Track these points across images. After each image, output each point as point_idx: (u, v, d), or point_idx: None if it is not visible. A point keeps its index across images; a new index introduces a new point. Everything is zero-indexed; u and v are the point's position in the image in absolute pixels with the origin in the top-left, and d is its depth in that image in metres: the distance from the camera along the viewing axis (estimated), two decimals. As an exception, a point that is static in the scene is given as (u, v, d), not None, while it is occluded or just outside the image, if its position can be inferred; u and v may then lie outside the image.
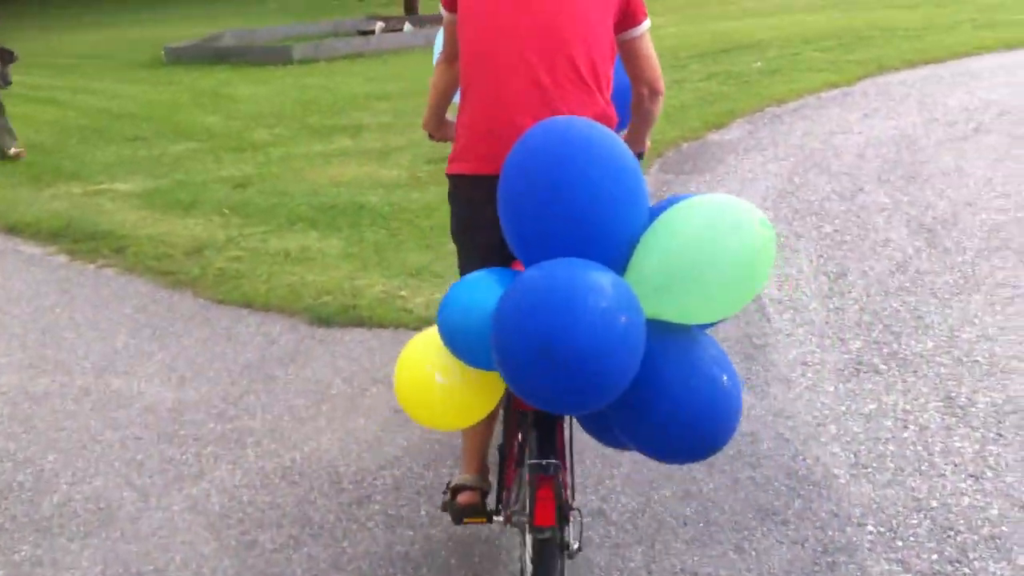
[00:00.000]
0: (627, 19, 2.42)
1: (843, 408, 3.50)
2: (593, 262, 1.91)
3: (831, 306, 4.37)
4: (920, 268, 4.72)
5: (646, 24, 2.45)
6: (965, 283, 4.51)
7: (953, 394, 3.54)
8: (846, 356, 3.89)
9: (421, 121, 2.84)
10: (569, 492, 2.34)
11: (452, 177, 2.48)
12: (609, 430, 2.18)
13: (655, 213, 2.01)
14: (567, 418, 2.37)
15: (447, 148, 2.71)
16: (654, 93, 2.53)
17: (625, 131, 2.67)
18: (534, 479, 2.19)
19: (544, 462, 2.19)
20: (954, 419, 3.37)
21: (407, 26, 14.80)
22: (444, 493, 2.71)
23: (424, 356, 2.26)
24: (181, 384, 4.07)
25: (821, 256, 4.98)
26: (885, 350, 3.92)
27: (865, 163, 6.56)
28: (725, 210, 1.92)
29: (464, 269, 2.47)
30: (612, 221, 1.97)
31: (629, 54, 2.47)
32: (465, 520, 2.62)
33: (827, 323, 4.20)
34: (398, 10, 17.29)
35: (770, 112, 8.29)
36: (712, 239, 1.89)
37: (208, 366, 4.23)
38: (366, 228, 5.86)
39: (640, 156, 2.68)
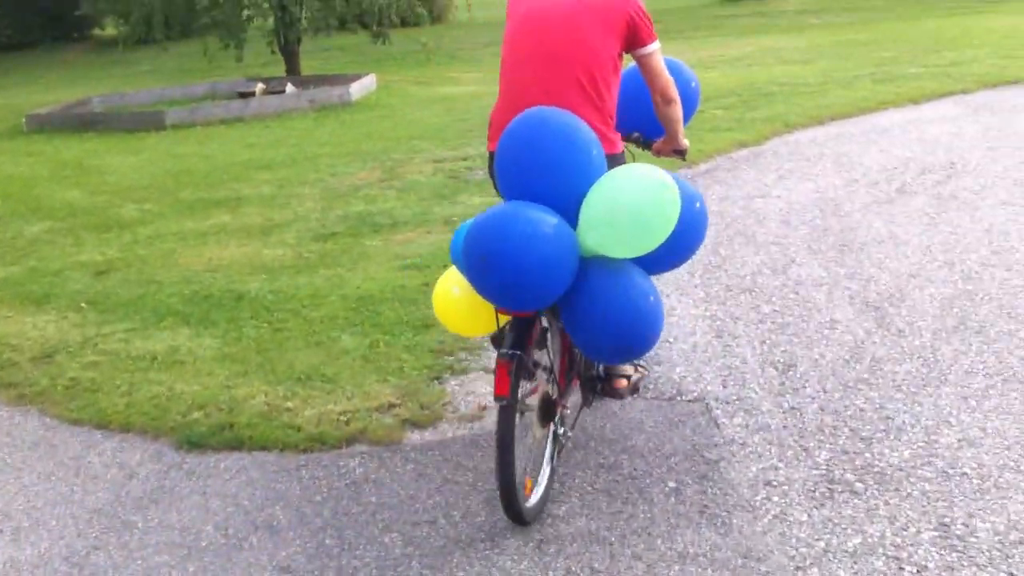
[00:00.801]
0: (635, 42, 3.28)
1: (822, 544, 2.96)
2: (536, 205, 2.83)
3: (786, 406, 3.86)
4: (876, 355, 4.25)
5: (653, 46, 3.29)
6: (929, 372, 4.05)
7: (947, 519, 3.03)
8: (815, 472, 3.36)
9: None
10: (559, 396, 3.26)
11: (490, 153, 3.32)
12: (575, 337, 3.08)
13: None
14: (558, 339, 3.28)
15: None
16: (665, 100, 3.38)
17: (663, 138, 3.56)
18: (497, 361, 2.94)
19: (508, 351, 2.94)
20: (955, 554, 2.86)
21: (289, 87, 14.13)
22: None
23: (449, 275, 3.36)
24: (16, 538, 3.33)
25: (764, 342, 4.49)
26: (858, 461, 3.41)
27: (791, 231, 6.15)
28: (636, 176, 2.88)
29: None
30: (563, 181, 2.89)
31: (643, 68, 3.35)
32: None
33: (785, 428, 3.68)
34: (279, 70, 16.60)
35: (682, 175, 7.86)
36: (623, 197, 2.86)
37: (50, 512, 3.49)
38: (246, 322, 5.16)
39: (681, 153, 3.60)
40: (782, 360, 4.28)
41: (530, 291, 2.82)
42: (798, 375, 4.13)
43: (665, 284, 5.32)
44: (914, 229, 5.96)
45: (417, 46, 18.28)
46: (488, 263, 2.79)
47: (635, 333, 3.00)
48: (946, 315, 4.63)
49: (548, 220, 2.82)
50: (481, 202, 7.28)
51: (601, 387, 3.62)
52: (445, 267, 4.58)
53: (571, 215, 2.91)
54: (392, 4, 16.91)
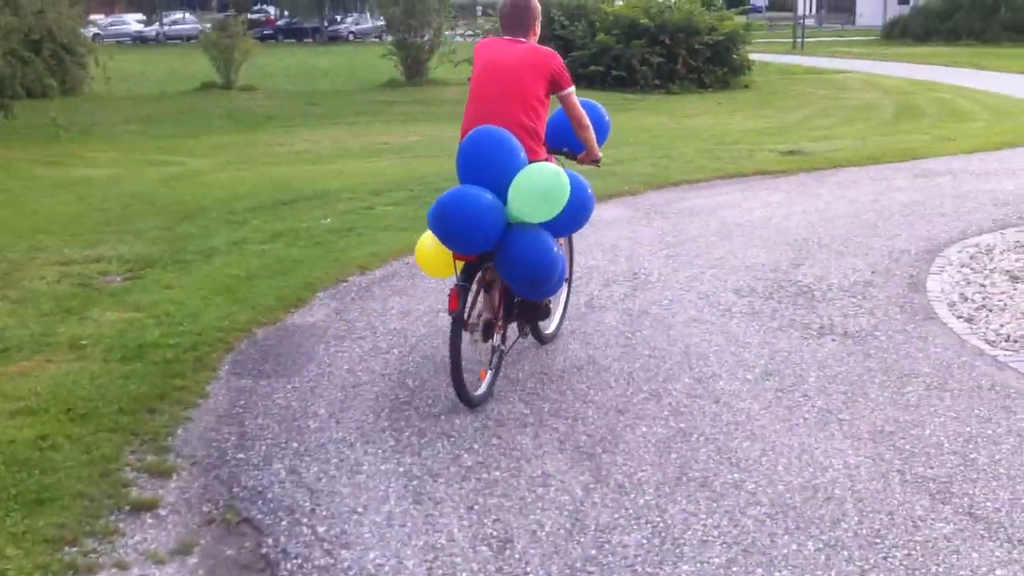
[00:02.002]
0: (556, 87, 5.00)
1: None
2: (479, 187, 4.59)
3: (509, 602, 3.20)
4: (600, 521, 3.73)
5: (569, 90, 5.02)
6: (662, 543, 3.57)
7: None
8: None
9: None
10: (496, 322, 4.93)
11: None
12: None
13: None
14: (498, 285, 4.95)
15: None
16: (580, 126, 5.18)
17: (583, 152, 5.36)
18: (452, 288, 4.67)
19: (459, 282, 4.67)
20: None
21: None
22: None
23: (426, 236, 5.03)
24: None
25: (473, 508, 3.84)
26: None
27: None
28: (540, 170, 4.61)
29: None
30: (497, 172, 4.61)
31: (563, 104, 5.11)
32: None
33: (512, 637, 3.02)
34: None
35: (356, 283, 7.19)
36: (531, 183, 4.58)
37: None
38: None
39: (596, 162, 5.49)
40: (495, 534, 3.65)
41: (472, 240, 4.59)
42: (516, 554, 3.50)
43: (349, 430, 4.58)
44: (612, 353, 5.61)
45: (46, 120, 16.49)
46: (446, 221, 4.58)
47: (543, 273, 4.72)
48: (665, 463, 4.21)
49: (485, 195, 4.57)
50: (118, 318, 6.20)
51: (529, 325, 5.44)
52: (68, 411, 4.74)
53: (502, 194, 4.62)
54: (16, 74, 15.15)
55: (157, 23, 67.22)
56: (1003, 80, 25.15)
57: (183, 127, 18.30)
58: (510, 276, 4.74)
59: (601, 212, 9.49)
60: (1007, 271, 7.00)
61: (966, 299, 6.44)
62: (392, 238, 8.45)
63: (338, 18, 68.26)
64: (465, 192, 4.61)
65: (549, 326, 5.70)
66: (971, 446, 4.33)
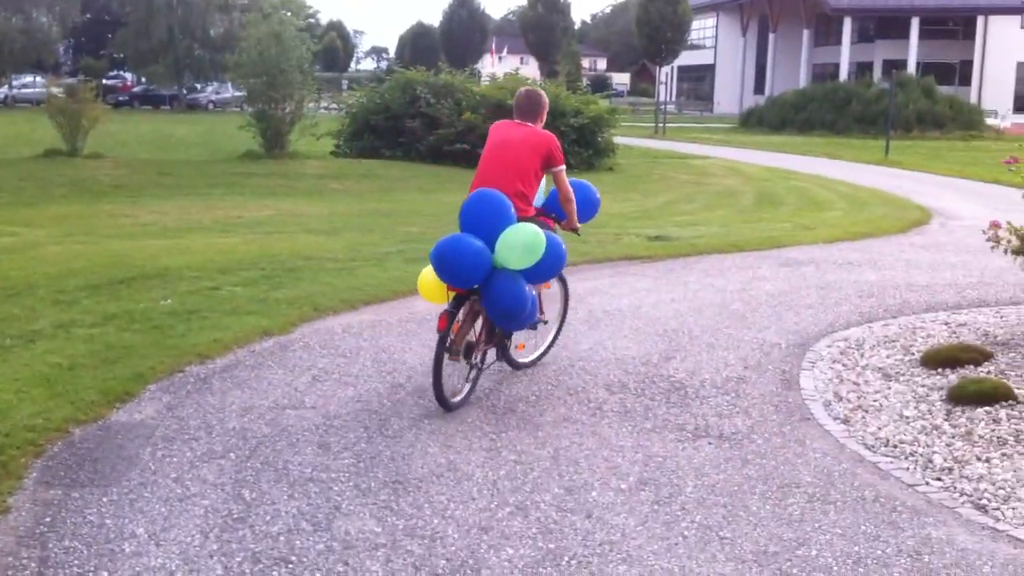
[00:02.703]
0: (549, 164, 6.20)
1: None
2: (473, 236, 5.70)
3: None
4: (459, 669, 3.24)
5: (559, 167, 6.24)
6: None
7: None
8: None
9: None
10: (481, 344, 6.06)
11: None
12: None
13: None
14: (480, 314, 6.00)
15: None
16: (565, 199, 6.40)
17: (566, 220, 6.56)
18: (441, 312, 5.72)
19: (448, 308, 5.73)
20: None
21: None
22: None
23: (427, 270, 6.01)
24: None
25: (309, 656, 3.30)
26: None
27: (333, 459, 5.11)
28: (524, 228, 5.67)
29: None
30: (489, 226, 5.69)
31: (554, 179, 6.33)
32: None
33: None
34: None
35: (193, 374, 6.58)
36: (515, 238, 5.64)
37: None
38: None
39: (575, 231, 6.74)
40: None
41: (461, 276, 5.73)
42: None
43: (170, 555, 3.99)
44: (475, 457, 5.17)
45: None
46: (443, 259, 5.72)
47: (515, 310, 5.78)
48: (536, 592, 3.77)
49: (476, 242, 5.68)
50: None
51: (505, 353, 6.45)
52: None
53: (492, 244, 5.70)
54: None
55: (6, 86, 64.78)
56: (856, 170, 26.07)
57: (22, 195, 17.23)
58: (491, 310, 5.87)
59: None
60: (879, 368, 6.87)
61: (840, 398, 6.25)
62: (238, 323, 7.87)
63: (198, 86, 67.08)
64: (461, 238, 5.76)
65: (528, 356, 6.84)
66: (861, 570, 4.03)
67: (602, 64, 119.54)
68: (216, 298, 8.76)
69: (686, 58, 53.70)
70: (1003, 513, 4.52)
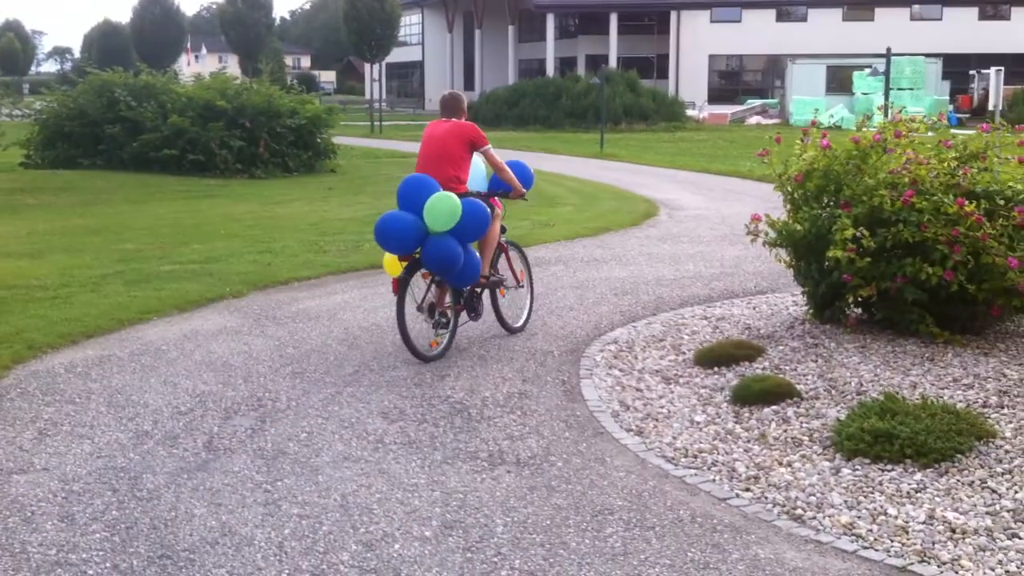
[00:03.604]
0: (474, 146, 7.39)
1: None
2: (406, 212, 6.96)
3: None
4: None
5: (486, 147, 7.41)
6: None
7: None
8: None
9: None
10: (447, 307, 7.31)
11: None
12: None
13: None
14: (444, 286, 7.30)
15: None
16: (499, 171, 7.51)
17: (512, 191, 7.62)
18: (393, 280, 7.14)
19: (402, 276, 7.03)
20: None
21: None
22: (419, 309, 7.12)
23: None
24: None
25: None
26: None
27: (79, 533, 4.35)
28: (441, 195, 6.89)
29: None
30: (416, 200, 6.91)
31: (484, 158, 7.50)
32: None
33: None
34: None
35: None
36: (435, 204, 6.84)
37: None
38: None
39: (522, 196, 7.77)
40: None
41: (398, 243, 6.97)
42: None
43: None
44: (252, 516, 4.57)
45: None
46: (384, 232, 6.97)
47: (449, 264, 6.98)
48: None
49: (405, 214, 6.95)
50: None
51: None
52: None
53: (420, 214, 6.90)
54: None
55: None
56: (576, 164, 26.70)
57: None
58: (428, 265, 7.04)
59: (201, 322, 8.39)
60: (656, 371, 6.78)
61: (627, 407, 6.08)
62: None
63: None
64: (393, 213, 7.04)
65: (517, 321, 8.04)
66: (703, 603, 3.80)
67: (306, 62, 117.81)
68: (-98, 343, 7.54)
69: (393, 55, 53.43)
70: (820, 523, 4.44)
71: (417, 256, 7.03)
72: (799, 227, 7.34)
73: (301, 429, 5.75)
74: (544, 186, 21.63)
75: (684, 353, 7.19)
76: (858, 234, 6.80)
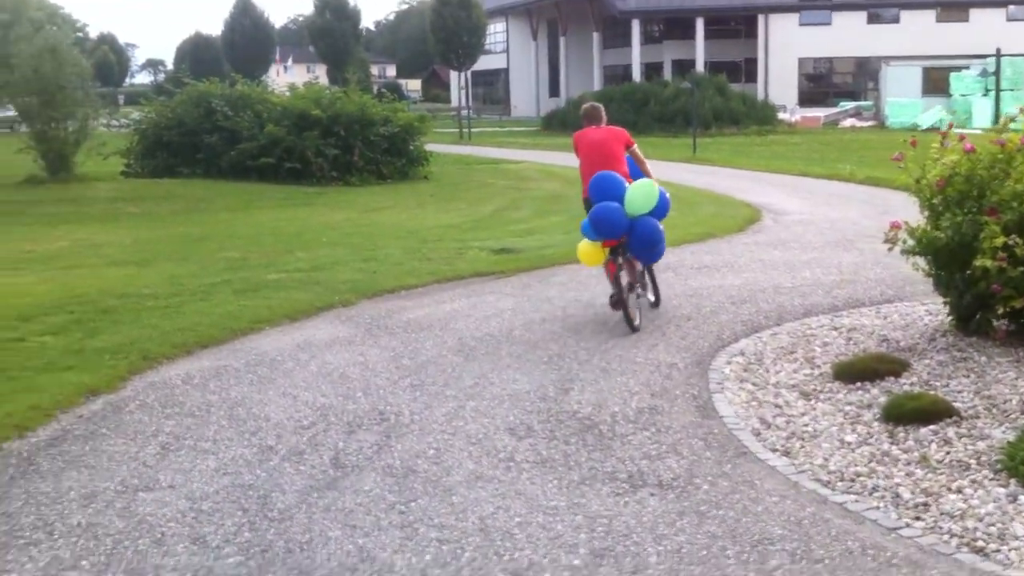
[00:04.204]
0: (628, 145, 8.65)
1: None
2: (612, 202, 8.03)
3: None
4: None
5: (635, 147, 8.75)
6: None
7: None
8: None
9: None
10: (637, 280, 8.50)
11: (585, 199, 8.43)
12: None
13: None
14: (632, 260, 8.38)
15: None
16: (642, 165, 8.77)
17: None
18: (607, 261, 8.43)
19: (610, 258, 8.30)
20: None
21: None
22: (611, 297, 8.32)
23: (583, 245, 8.55)
24: None
25: None
26: None
27: (211, 556, 4.16)
28: (643, 182, 8.33)
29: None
30: (615, 192, 8.07)
31: (632, 155, 8.70)
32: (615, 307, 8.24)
33: None
34: None
35: (13, 452, 5.47)
36: (639, 190, 8.16)
37: None
38: None
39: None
40: None
41: (614, 229, 8.03)
42: None
43: None
44: (389, 540, 4.33)
45: None
46: (599, 223, 8.01)
47: (658, 239, 8.30)
48: None
49: (614, 205, 7.96)
50: None
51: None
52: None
53: (621, 202, 8.00)
54: None
55: None
56: (670, 169, 26.13)
57: None
58: (639, 247, 8.23)
59: (313, 332, 8.23)
60: (792, 385, 6.40)
61: (768, 424, 5.72)
62: (55, 382, 6.71)
63: (-41, 107, 62.18)
64: (604, 204, 8.00)
65: (635, 321, 8.28)
66: (894, 648, 3.45)
67: (391, 71, 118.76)
68: (23, 352, 7.52)
69: (479, 63, 53.44)
70: (1007, 556, 4.04)
71: (621, 240, 8.20)
72: (941, 235, 6.90)
73: (428, 445, 5.51)
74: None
75: (819, 367, 6.80)
76: (1010, 242, 6.35)
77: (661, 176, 24.56)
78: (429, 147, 26.79)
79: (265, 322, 8.51)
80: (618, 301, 8.13)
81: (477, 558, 4.14)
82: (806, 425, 5.67)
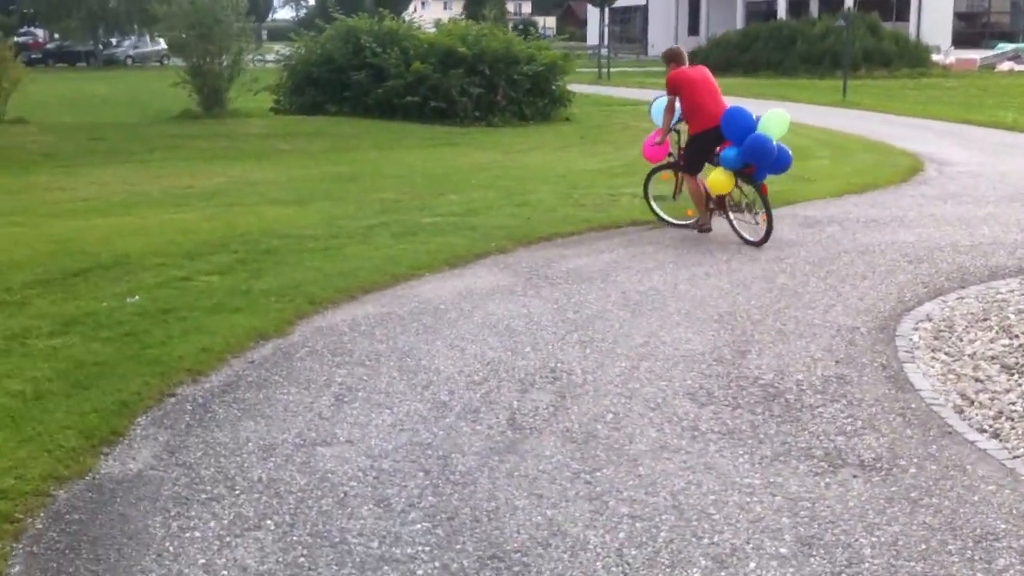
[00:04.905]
0: None
1: None
2: (759, 133, 8.94)
3: None
4: None
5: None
6: None
7: None
8: None
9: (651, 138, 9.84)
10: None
11: (695, 135, 9.38)
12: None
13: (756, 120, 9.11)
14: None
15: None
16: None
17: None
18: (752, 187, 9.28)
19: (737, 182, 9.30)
20: None
21: None
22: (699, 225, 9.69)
23: (714, 172, 9.30)
24: None
25: None
26: None
27: (398, 521, 4.00)
28: (776, 112, 9.24)
29: (690, 166, 9.61)
30: (750, 123, 9.01)
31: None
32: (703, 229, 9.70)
33: None
34: None
35: (188, 398, 5.41)
36: (773, 119, 9.08)
37: None
38: None
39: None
40: None
41: (764, 157, 8.90)
42: None
43: None
44: (578, 512, 4.10)
45: None
46: (755, 150, 8.85)
47: (765, 151, 8.85)
48: None
49: (764, 135, 8.89)
50: None
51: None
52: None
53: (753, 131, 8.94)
54: None
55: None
56: (818, 113, 25.17)
57: (-61, 167, 15.59)
58: (777, 166, 9.10)
59: (473, 279, 8.04)
60: (992, 358, 5.91)
61: (971, 401, 5.28)
62: (224, 324, 6.67)
63: (113, 41, 64.02)
64: (761, 136, 8.85)
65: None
66: None
67: (526, 8, 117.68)
68: (191, 291, 7.52)
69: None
70: None
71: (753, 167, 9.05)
72: None
73: (605, 409, 5.26)
74: (788, 136, 20.46)
75: (1018, 336, 6.28)
76: None
77: (810, 121, 23.65)
78: (571, 87, 26.32)
79: (424, 268, 8.35)
80: (706, 227, 9.61)
81: (674, 539, 3.88)
82: (1013, 403, 5.21)
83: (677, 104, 9.46)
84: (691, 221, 9.85)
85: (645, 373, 5.81)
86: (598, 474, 4.47)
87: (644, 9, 67.94)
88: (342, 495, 4.28)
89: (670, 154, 9.95)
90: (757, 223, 9.23)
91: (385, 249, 8.97)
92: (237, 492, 4.31)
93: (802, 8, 51.81)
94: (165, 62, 53.71)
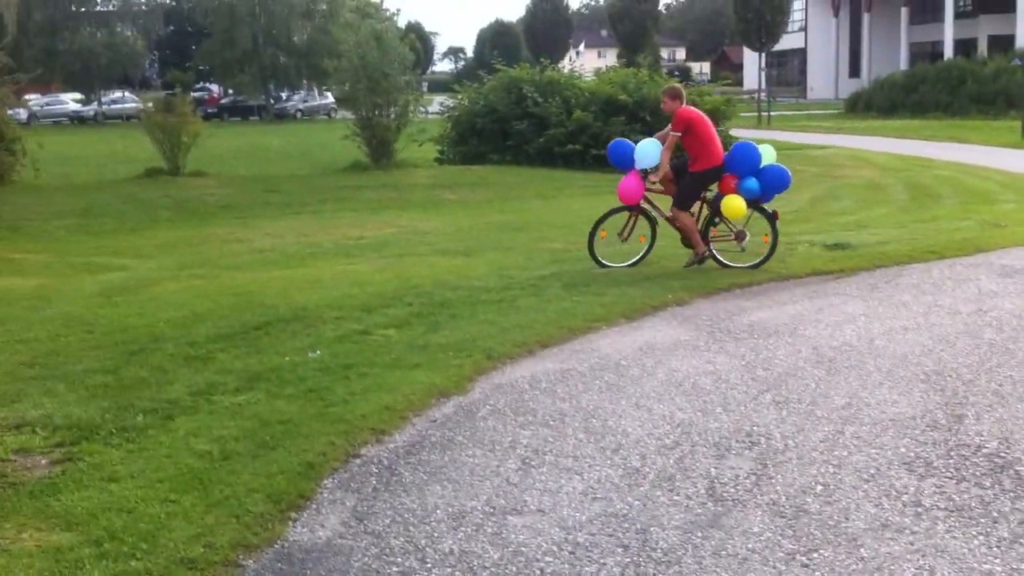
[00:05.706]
0: None
1: None
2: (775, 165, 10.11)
3: None
4: None
5: None
6: None
7: None
8: None
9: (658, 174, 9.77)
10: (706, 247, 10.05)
11: (702, 171, 9.77)
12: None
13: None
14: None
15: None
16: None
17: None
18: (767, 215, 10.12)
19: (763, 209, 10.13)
20: None
21: None
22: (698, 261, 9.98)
23: (735, 200, 9.80)
24: None
25: None
26: None
27: (604, 608, 3.68)
28: (765, 147, 10.11)
29: (688, 202, 9.98)
30: (757, 157, 9.83)
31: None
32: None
33: None
34: None
35: (373, 460, 5.24)
36: (766, 152, 10.03)
37: None
38: None
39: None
40: None
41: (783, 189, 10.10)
42: None
43: None
44: (801, 600, 3.70)
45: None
46: (780, 183, 10.02)
47: (785, 179, 10.02)
48: None
49: (769, 167, 10.00)
50: (38, 545, 4.18)
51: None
52: None
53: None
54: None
55: (95, 102, 65.10)
56: (996, 155, 24.00)
57: (126, 221, 16.27)
58: (767, 186, 9.87)
59: (652, 333, 7.69)
60: None
61: None
62: (404, 380, 6.51)
63: (283, 95, 66.65)
64: (780, 167, 10.01)
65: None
66: None
67: (680, 54, 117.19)
68: (369, 346, 7.42)
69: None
70: None
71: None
72: None
73: (813, 479, 4.83)
74: (966, 179, 19.48)
75: None
76: None
77: (989, 163, 22.71)
78: (732, 132, 25.80)
79: (601, 321, 8.06)
80: (704, 258, 9.93)
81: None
82: None
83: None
84: (689, 259, 10.12)
85: (851, 439, 5.35)
86: (815, 555, 4.06)
87: (802, 52, 66.69)
88: (538, 572, 3.99)
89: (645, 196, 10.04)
90: (743, 250, 10.02)
91: (559, 302, 8.72)
92: (428, 565, 4.09)
93: (970, 48, 49.83)
94: (333, 115, 55.59)
